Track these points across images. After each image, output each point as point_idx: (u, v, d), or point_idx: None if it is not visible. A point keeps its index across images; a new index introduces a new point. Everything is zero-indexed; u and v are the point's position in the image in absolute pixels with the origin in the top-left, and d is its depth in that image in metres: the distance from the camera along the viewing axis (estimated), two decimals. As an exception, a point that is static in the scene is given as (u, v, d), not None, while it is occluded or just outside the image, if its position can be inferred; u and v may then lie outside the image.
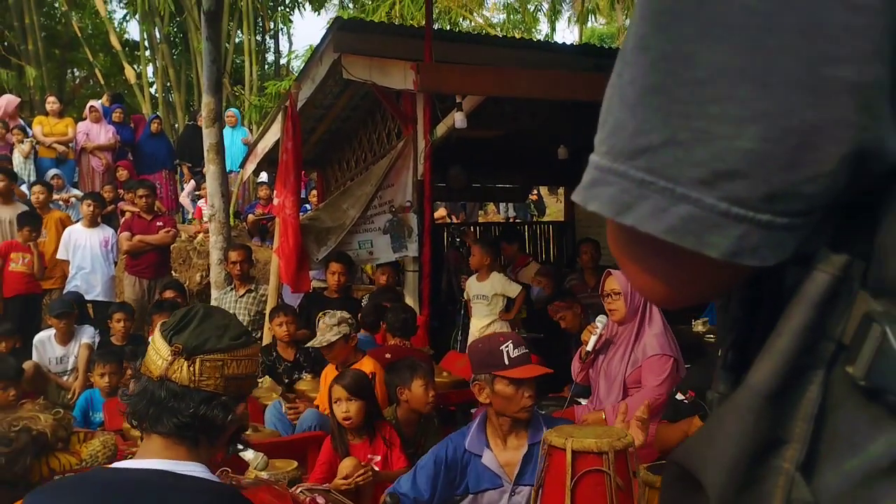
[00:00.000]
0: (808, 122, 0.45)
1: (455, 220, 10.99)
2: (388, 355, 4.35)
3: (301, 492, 2.39)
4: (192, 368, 1.52)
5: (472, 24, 18.01)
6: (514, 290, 5.61)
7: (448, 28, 15.97)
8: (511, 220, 11.90)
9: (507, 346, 2.62)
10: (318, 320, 4.19)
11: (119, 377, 4.73)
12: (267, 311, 5.70)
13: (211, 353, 1.54)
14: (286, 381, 4.76)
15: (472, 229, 8.93)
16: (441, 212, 10.88)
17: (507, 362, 2.60)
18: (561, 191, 12.35)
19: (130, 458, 1.65)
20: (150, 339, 1.63)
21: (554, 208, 13.37)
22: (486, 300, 5.61)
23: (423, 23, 6.36)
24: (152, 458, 1.51)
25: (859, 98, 0.44)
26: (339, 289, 5.83)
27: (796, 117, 0.45)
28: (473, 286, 5.77)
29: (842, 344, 0.47)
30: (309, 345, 4.35)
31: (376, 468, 2.97)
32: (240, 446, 2.45)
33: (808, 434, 0.47)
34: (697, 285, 0.53)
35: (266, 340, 5.58)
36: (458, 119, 5.27)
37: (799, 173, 0.45)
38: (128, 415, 1.59)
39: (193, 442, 1.52)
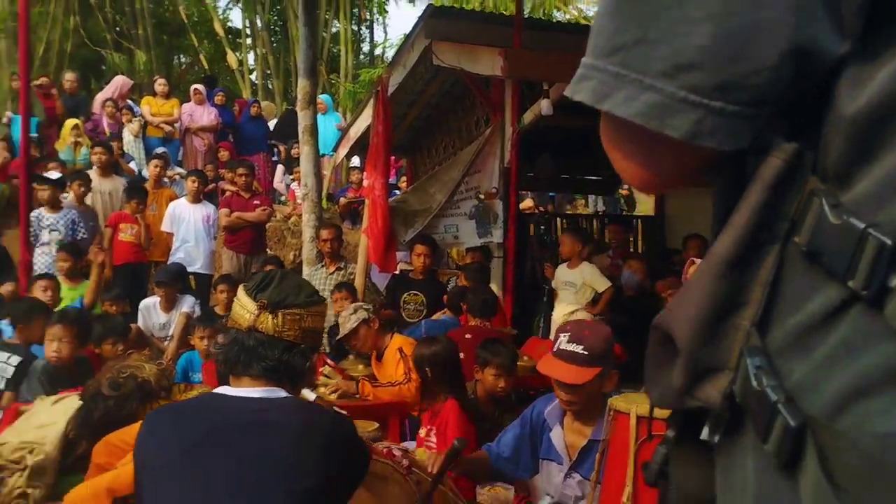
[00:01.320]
0: (749, 22, 0.54)
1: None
2: (468, 336, 4.43)
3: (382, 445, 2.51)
4: (275, 320, 1.73)
5: (567, 16, 17.84)
6: (602, 284, 5.54)
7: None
8: (599, 214, 11.75)
9: (563, 335, 2.63)
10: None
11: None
12: (358, 288, 5.84)
13: (291, 308, 1.75)
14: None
15: (558, 220, 8.88)
16: (528, 202, 10.85)
17: (554, 349, 2.64)
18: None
19: None
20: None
21: (645, 204, 13.12)
22: (574, 288, 5.57)
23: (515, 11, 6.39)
24: (247, 389, 1.73)
25: (793, 0, 0.53)
26: (424, 270, 5.96)
27: (740, 17, 0.54)
28: (562, 273, 5.76)
29: (794, 221, 0.56)
30: (337, 338, 4.49)
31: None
32: (305, 391, 2.61)
33: (764, 297, 0.57)
34: (668, 167, 0.63)
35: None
36: (544, 106, 5.29)
37: (744, 66, 0.55)
38: (219, 362, 1.80)
39: (278, 384, 1.73)
